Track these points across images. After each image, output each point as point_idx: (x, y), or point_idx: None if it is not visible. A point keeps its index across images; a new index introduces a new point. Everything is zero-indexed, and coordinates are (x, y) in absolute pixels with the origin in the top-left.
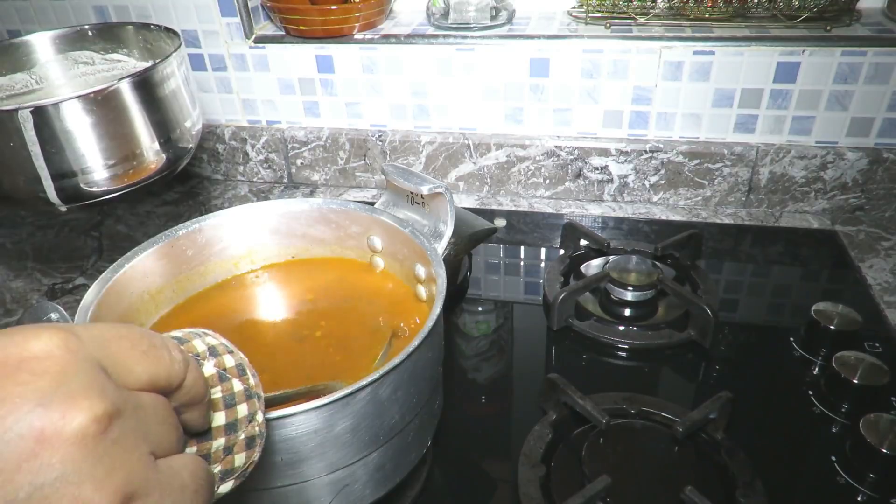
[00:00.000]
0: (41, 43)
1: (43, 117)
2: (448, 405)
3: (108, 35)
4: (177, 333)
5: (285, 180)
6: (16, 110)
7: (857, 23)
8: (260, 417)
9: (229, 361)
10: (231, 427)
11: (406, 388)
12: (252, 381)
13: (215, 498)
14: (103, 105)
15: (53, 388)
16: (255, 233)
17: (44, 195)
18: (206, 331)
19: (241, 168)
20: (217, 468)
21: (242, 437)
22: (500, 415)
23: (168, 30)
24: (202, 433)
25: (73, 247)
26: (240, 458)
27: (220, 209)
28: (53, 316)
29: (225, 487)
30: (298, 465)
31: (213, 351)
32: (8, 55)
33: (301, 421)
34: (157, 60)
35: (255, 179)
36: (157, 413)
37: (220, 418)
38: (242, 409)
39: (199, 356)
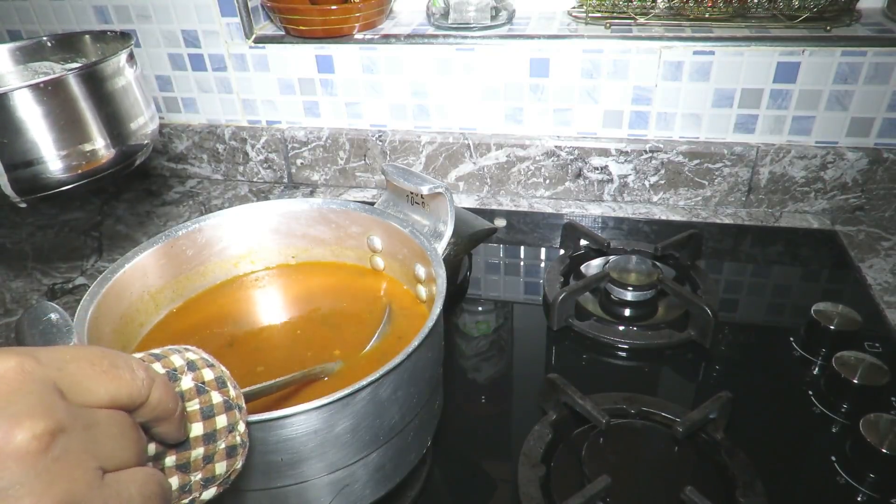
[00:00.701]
0: (0, 55)
1: None
2: (448, 405)
3: (66, 45)
4: (156, 350)
5: (285, 180)
6: None
7: (857, 23)
8: (241, 427)
9: (208, 375)
10: (210, 437)
11: (406, 388)
12: (232, 392)
13: (201, 503)
14: (52, 95)
15: (0, 408)
16: (256, 233)
17: None
18: (188, 347)
19: (241, 168)
20: (198, 476)
21: (223, 446)
22: (500, 415)
23: (123, 34)
24: (181, 443)
25: (73, 247)
26: (221, 467)
27: (220, 209)
28: (53, 316)
29: (207, 494)
30: (298, 465)
31: (191, 365)
32: None
33: (301, 421)
34: (110, 55)
35: (255, 179)
36: (112, 429)
37: (197, 429)
38: (222, 420)
39: (176, 370)
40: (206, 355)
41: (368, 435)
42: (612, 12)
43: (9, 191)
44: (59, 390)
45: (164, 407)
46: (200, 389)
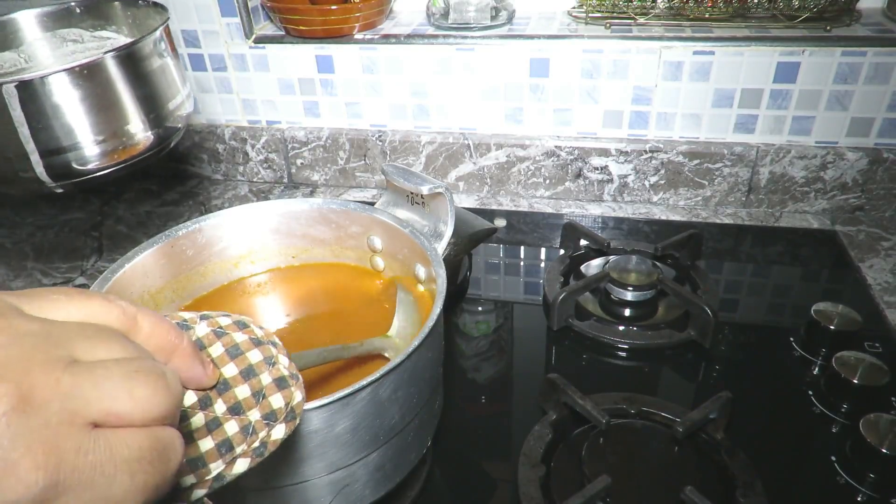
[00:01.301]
0: (28, 21)
1: (29, 92)
2: (448, 405)
3: (95, 12)
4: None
5: (285, 180)
6: (0, 85)
7: (857, 23)
8: (284, 361)
9: (224, 321)
10: (248, 373)
11: (406, 388)
12: (258, 332)
13: (273, 444)
14: (89, 78)
15: None
16: (256, 233)
17: (32, 173)
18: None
19: (241, 168)
20: (256, 414)
21: (269, 380)
22: (500, 415)
23: (156, 4)
24: (220, 386)
25: (73, 247)
26: (276, 400)
27: (220, 209)
28: None
29: (278, 432)
30: (298, 465)
31: (204, 316)
32: None
33: (301, 421)
34: (144, 34)
35: (255, 179)
36: (86, 330)
37: (231, 369)
38: (255, 355)
39: (186, 321)
40: (222, 312)
41: (368, 435)
42: (612, 12)
43: (44, 177)
44: (14, 306)
45: (163, 336)
46: (219, 333)
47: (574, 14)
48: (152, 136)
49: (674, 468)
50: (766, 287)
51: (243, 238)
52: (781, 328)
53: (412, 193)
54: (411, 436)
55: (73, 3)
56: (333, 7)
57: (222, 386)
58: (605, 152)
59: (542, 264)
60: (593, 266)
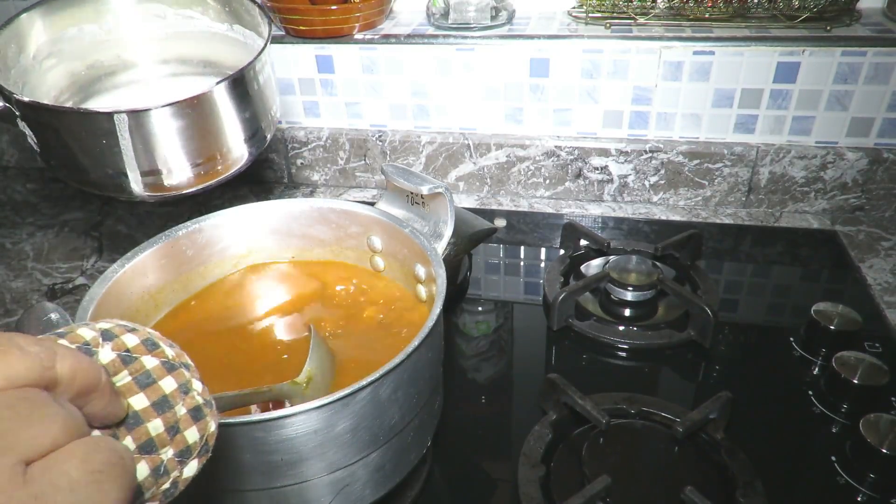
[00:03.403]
0: None
1: (139, 120)
2: (448, 405)
3: None
4: (59, 329)
5: (285, 180)
6: (112, 113)
7: (857, 23)
8: (198, 386)
9: (131, 340)
10: (161, 405)
11: (406, 388)
12: (169, 352)
13: (184, 483)
14: (199, 107)
15: None
16: (256, 233)
17: (128, 188)
18: (99, 320)
19: None
20: (169, 452)
21: (184, 411)
22: (500, 415)
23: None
24: (130, 421)
25: (73, 247)
26: (192, 434)
27: (220, 209)
28: (53, 316)
29: (189, 469)
30: (298, 465)
31: (106, 335)
32: (78, 4)
33: (301, 421)
34: (257, 54)
35: (255, 179)
36: (20, 409)
37: (140, 400)
38: (168, 384)
39: (88, 344)
40: (122, 322)
41: (368, 435)
42: (612, 12)
43: (139, 192)
44: None
45: (85, 376)
46: (126, 359)
47: (574, 14)
48: (247, 154)
49: (674, 468)
50: (766, 287)
51: (243, 238)
52: (781, 328)
53: (412, 193)
54: (411, 436)
55: None
56: (333, 7)
57: (132, 421)
58: (605, 152)
59: (542, 264)
60: (593, 266)
